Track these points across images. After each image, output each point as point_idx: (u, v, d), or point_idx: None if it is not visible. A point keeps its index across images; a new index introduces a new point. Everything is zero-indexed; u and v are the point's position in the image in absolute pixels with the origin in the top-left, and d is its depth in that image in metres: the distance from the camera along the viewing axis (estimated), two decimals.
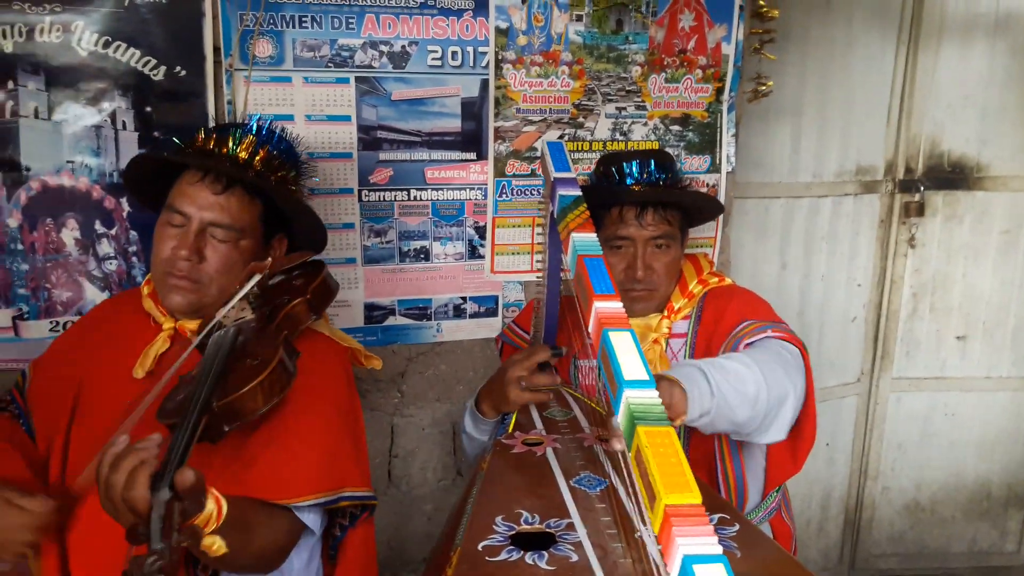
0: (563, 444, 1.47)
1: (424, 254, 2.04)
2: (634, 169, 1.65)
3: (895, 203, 2.74)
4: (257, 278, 1.38)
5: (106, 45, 1.73)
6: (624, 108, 2.08)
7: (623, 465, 1.12)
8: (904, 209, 2.74)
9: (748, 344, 1.51)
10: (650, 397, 0.97)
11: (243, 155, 1.45)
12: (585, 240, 1.28)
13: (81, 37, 1.71)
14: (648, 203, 1.64)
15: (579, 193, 1.40)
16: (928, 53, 2.62)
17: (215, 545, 0.96)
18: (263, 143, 1.48)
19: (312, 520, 1.31)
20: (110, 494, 0.97)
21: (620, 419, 0.99)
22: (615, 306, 1.11)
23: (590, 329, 1.16)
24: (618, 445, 1.05)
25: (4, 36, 1.66)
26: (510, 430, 1.56)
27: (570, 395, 1.67)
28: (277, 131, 1.54)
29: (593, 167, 1.79)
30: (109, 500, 0.98)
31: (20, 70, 1.69)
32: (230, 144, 1.45)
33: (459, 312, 2.10)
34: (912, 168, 2.72)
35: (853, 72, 2.57)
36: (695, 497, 0.84)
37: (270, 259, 1.44)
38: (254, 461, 1.26)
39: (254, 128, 1.49)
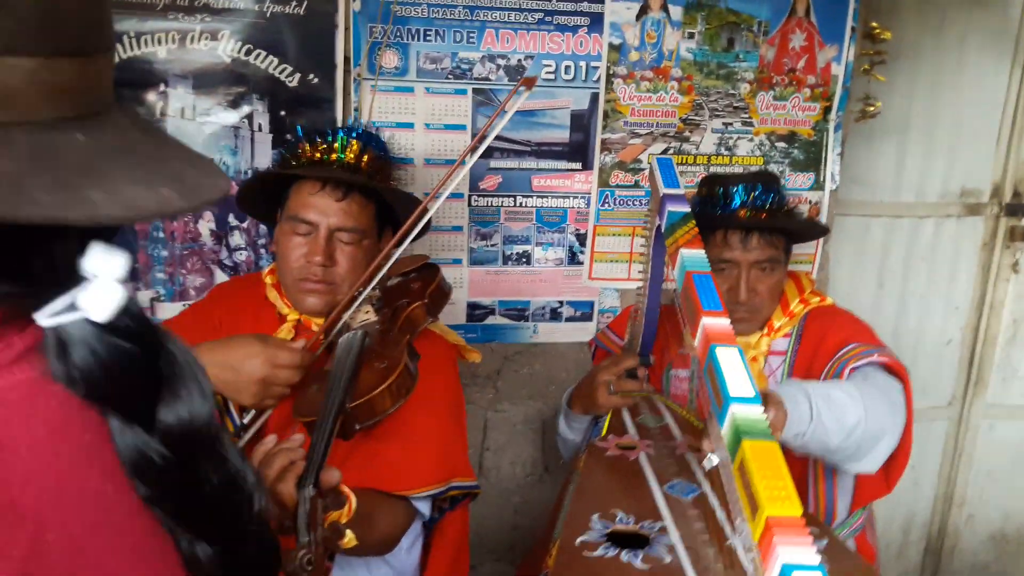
0: (656, 451, 1.54)
1: (526, 258, 2.13)
2: (740, 193, 1.67)
3: (1000, 227, 2.69)
4: (378, 278, 1.48)
5: (247, 53, 1.87)
6: (731, 124, 2.13)
7: (718, 475, 1.18)
8: (1009, 233, 2.69)
9: (854, 368, 1.54)
10: (755, 413, 1.04)
11: (352, 160, 1.52)
12: (694, 257, 1.34)
13: (226, 45, 1.86)
14: (753, 228, 1.66)
15: (688, 210, 1.46)
16: None
17: (346, 538, 1.06)
18: (366, 146, 1.55)
19: (424, 507, 1.42)
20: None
21: (725, 432, 1.05)
22: (723, 323, 1.18)
23: (696, 343, 1.22)
24: (715, 458, 1.11)
25: (160, 43, 1.82)
26: (604, 433, 1.63)
27: (662, 403, 1.73)
28: (373, 132, 1.62)
29: (696, 187, 1.83)
30: None
31: (172, 74, 1.84)
32: (337, 150, 1.52)
33: (556, 315, 2.18)
34: (1020, 192, 2.67)
35: (963, 93, 2.54)
36: (796, 510, 0.90)
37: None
38: (376, 455, 1.37)
39: (354, 132, 1.57)
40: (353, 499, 1.11)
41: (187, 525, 0.51)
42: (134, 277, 1.91)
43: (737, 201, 1.67)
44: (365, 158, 1.54)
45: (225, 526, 0.53)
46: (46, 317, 0.48)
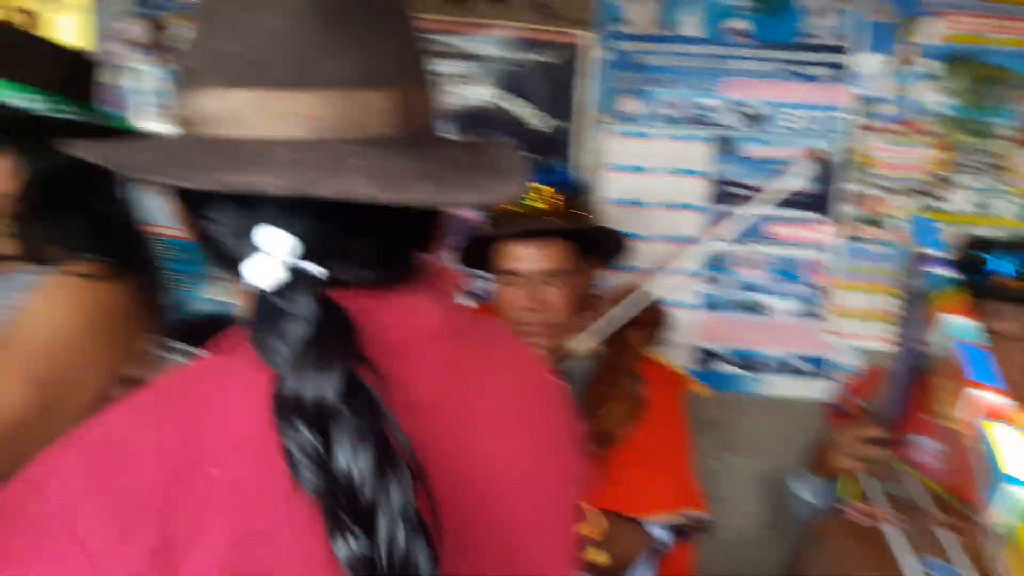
0: (904, 523, 1.47)
1: (758, 306, 2.10)
2: (1013, 261, 1.56)
3: None
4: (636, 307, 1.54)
5: (499, 96, 2.00)
6: (986, 182, 2.01)
7: (979, 554, 1.11)
8: None
9: None
10: None
11: (548, 206, 1.57)
12: (960, 325, 1.28)
13: (480, 89, 2.00)
14: None
15: (951, 274, 1.39)
16: None
17: (600, 557, 1.10)
18: (556, 188, 1.59)
19: (661, 533, 1.44)
20: None
21: (1000, 514, 0.99)
22: (1000, 399, 1.11)
23: (961, 415, 1.16)
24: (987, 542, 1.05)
25: None
26: (846, 498, 1.57)
27: (908, 473, 1.64)
28: (557, 169, 1.68)
29: (958, 248, 1.72)
30: None
31: None
32: (529, 199, 1.57)
33: (787, 368, 2.13)
34: None
35: None
36: None
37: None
38: (614, 479, 1.41)
39: (541, 177, 1.61)
40: (597, 516, 1.16)
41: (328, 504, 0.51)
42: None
43: (1009, 270, 1.55)
44: (556, 200, 1.59)
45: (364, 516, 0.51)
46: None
